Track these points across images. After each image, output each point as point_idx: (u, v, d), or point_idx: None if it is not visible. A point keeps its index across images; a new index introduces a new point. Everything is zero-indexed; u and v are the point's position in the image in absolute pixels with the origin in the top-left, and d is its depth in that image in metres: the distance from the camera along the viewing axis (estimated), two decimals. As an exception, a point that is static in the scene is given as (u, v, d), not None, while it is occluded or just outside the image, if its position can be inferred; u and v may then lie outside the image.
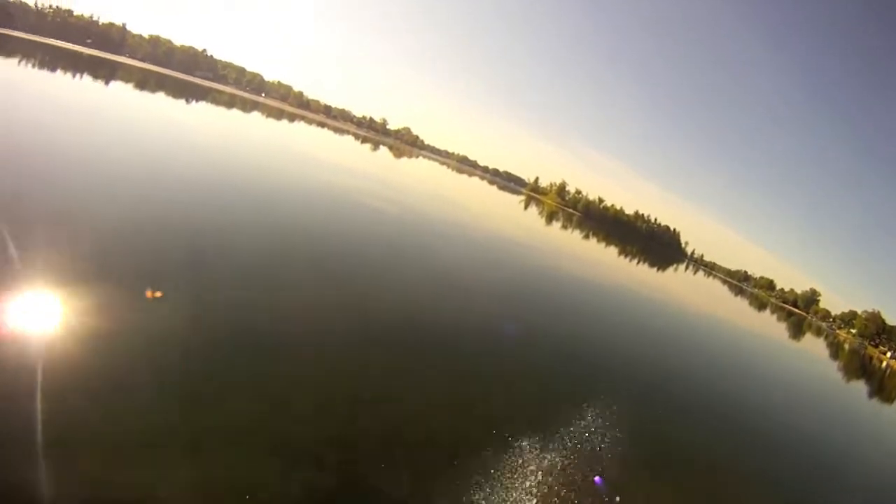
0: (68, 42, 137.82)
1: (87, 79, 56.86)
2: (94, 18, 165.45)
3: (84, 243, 11.01)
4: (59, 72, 55.92)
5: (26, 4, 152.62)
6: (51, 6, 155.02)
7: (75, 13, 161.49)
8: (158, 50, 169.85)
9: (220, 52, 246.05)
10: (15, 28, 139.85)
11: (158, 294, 9.71)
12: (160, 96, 62.98)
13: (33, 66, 54.65)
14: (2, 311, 7.84)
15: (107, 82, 59.64)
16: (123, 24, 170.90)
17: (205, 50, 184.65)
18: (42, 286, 8.80)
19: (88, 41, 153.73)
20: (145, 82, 76.41)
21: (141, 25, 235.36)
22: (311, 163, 43.92)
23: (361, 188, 36.20)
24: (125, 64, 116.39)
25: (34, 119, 23.96)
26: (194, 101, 69.96)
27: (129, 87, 62.80)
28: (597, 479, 8.82)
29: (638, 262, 69.94)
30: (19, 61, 55.49)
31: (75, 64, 74.29)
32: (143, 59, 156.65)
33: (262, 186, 24.61)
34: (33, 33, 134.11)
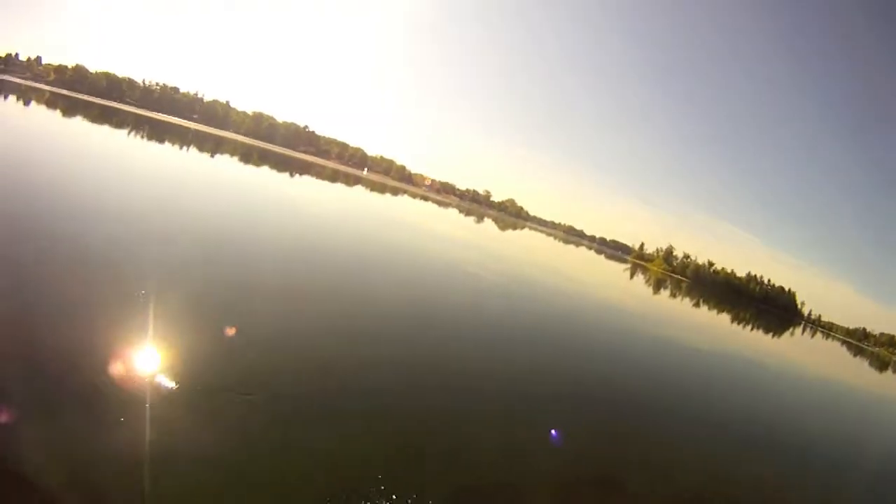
0: (175, 117, 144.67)
1: (193, 151, 56.06)
2: (199, 95, 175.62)
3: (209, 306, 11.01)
4: (167, 144, 55.53)
5: (133, 81, 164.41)
6: (157, 83, 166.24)
7: (181, 90, 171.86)
8: (261, 125, 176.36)
9: (322, 128, 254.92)
10: (123, 102, 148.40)
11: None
12: (264, 169, 60.56)
13: (142, 137, 54.87)
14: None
15: (212, 155, 58.36)
16: (227, 102, 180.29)
17: (306, 126, 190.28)
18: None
19: (195, 116, 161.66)
20: (249, 156, 75.31)
21: (244, 102, 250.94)
22: (418, 234, 42.23)
23: (470, 259, 35.58)
24: (229, 138, 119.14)
25: (147, 186, 25.16)
26: (298, 175, 67.24)
27: (234, 160, 61.91)
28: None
29: (752, 328, 63.13)
30: (129, 132, 55.51)
31: (183, 137, 74.79)
32: (246, 134, 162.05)
33: (372, 258, 24.39)
34: (141, 107, 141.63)
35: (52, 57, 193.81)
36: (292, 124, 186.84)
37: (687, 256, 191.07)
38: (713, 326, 49.12)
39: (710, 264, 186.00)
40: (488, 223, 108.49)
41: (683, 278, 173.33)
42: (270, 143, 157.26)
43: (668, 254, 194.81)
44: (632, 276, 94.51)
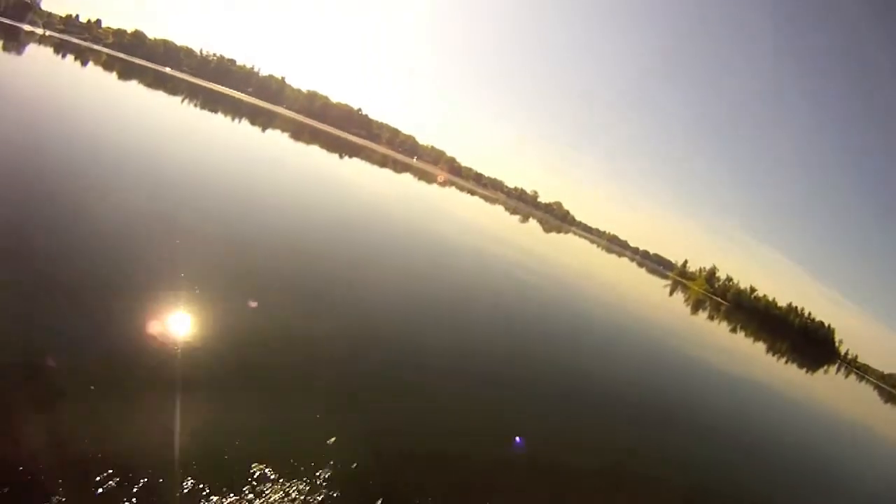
0: (229, 88, 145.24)
1: (245, 123, 55.00)
2: (255, 69, 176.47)
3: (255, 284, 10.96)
4: (220, 114, 54.41)
5: (191, 49, 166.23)
6: (214, 54, 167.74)
7: (238, 63, 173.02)
8: (314, 104, 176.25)
9: (375, 112, 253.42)
10: (179, 69, 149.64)
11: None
12: (314, 148, 59.21)
13: (195, 105, 54.04)
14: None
15: (263, 129, 56.91)
16: (283, 77, 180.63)
17: (360, 109, 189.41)
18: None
19: (249, 89, 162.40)
20: (300, 133, 73.97)
21: (299, 80, 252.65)
22: (463, 228, 41.76)
23: (511, 258, 34.97)
24: (281, 114, 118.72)
25: (190, 156, 24.30)
26: (347, 157, 65.49)
27: (286, 136, 60.64)
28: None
29: (786, 360, 60.32)
30: (182, 100, 54.70)
31: (236, 109, 73.85)
32: (299, 112, 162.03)
33: (416, 248, 24.38)
34: (196, 76, 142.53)
35: (112, 21, 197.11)
36: (346, 105, 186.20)
37: (729, 279, 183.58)
38: (745, 353, 47.39)
39: (752, 290, 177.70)
40: (533, 224, 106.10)
41: (723, 301, 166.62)
42: (322, 122, 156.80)
43: (711, 274, 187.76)
44: (671, 292, 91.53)
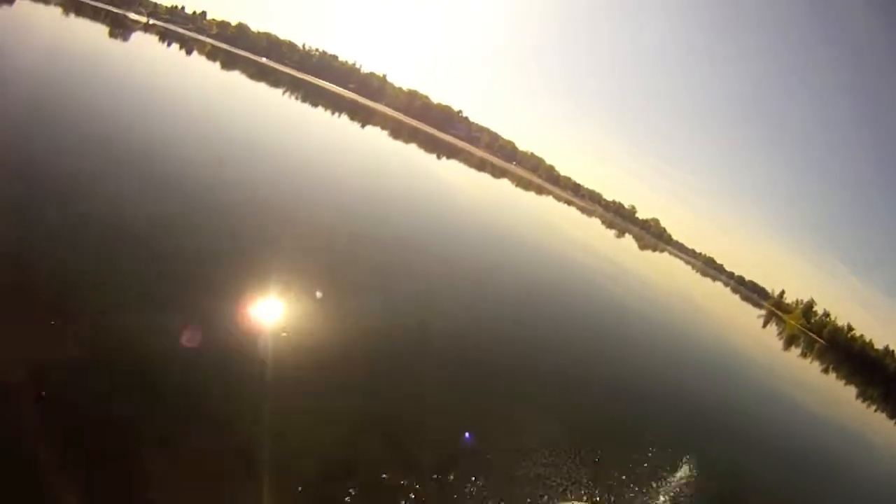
0: (330, 83, 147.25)
1: (344, 119, 53.81)
2: (357, 66, 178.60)
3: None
4: (320, 108, 53.68)
5: (294, 44, 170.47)
6: (317, 49, 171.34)
7: (340, 59, 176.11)
8: (414, 103, 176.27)
9: (476, 115, 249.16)
10: (282, 63, 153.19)
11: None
12: (412, 147, 57.05)
13: (297, 98, 53.49)
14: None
15: (363, 125, 55.60)
16: (384, 75, 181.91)
17: (460, 111, 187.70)
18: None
19: (350, 85, 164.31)
20: (399, 132, 72.49)
21: (400, 79, 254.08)
22: (559, 239, 40.85)
23: (607, 273, 34.72)
24: (382, 111, 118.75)
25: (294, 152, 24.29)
26: (445, 158, 63.29)
27: (385, 133, 59.12)
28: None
29: (875, 410, 53.97)
30: (283, 92, 54.41)
31: (337, 104, 73.32)
32: (398, 110, 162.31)
33: (514, 258, 23.84)
34: (298, 70, 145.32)
35: (217, 13, 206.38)
36: (446, 106, 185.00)
37: (827, 314, 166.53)
38: (835, 395, 44.56)
39: (850, 328, 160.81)
40: (628, 240, 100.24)
41: (819, 338, 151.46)
42: (421, 121, 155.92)
43: (808, 308, 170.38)
44: (765, 324, 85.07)
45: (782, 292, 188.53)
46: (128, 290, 7.11)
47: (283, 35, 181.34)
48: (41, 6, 62.26)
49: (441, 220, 23.82)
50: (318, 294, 9.32)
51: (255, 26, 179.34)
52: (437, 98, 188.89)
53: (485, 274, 17.41)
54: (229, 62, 71.27)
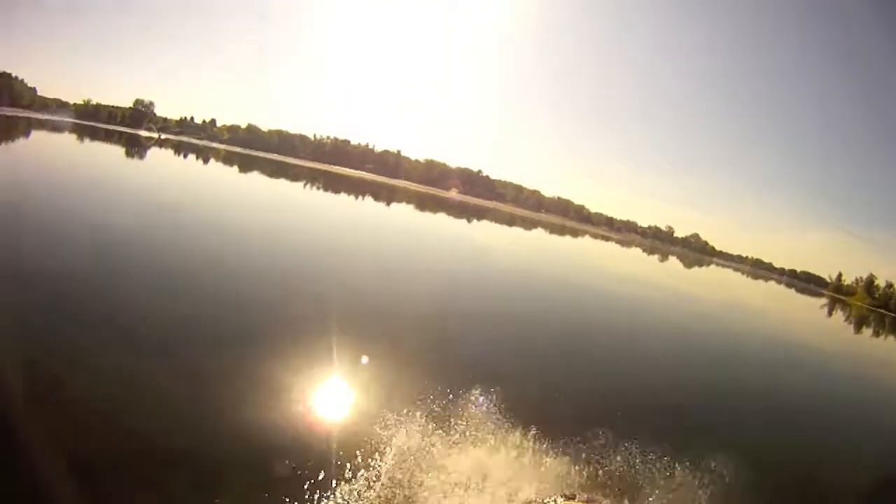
0: (348, 168, 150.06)
1: (368, 201, 54.69)
2: (370, 146, 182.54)
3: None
4: (342, 194, 54.15)
5: (305, 136, 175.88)
6: (328, 137, 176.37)
7: (352, 142, 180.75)
8: (433, 172, 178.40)
9: (497, 170, 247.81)
10: (296, 156, 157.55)
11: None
12: (441, 216, 56.75)
13: (318, 188, 54.68)
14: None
15: (388, 203, 56.09)
16: (398, 151, 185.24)
17: (480, 170, 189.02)
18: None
19: (368, 166, 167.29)
20: (425, 203, 73.11)
21: (415, 150, 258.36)
22: (607, 276, 39.11)
23: (662, 300, 33.67)
24: (403, 187, 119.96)
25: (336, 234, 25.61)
26: (475, 221, 62.75)
27: (411, 207, 59.14)
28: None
29: None
30: (304, 185, 55.12)
31: (357, 187, 74.06)
32: (419, 182, 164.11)
33: (571, 303, 23.36)
34: (313, 160, 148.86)
35: (226, 117, 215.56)
36: (465, 169, 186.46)
37: (890, 286, 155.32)
38: None
39: None
40: (672, 262, 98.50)
41: (888, 312, 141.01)
42: (443, 189, 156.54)
43: (870, 283, 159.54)
44: (830, 312, 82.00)
45: (839, 275, 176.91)
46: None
47: (294, 128, 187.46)
48: (56, 135, 65.45)
49: (490, 280, 23.98)
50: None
51: (265, 125, 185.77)
52: (454, 162, 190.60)
53: (557, 326, 17.51)
54: (246, 164, 73.16)
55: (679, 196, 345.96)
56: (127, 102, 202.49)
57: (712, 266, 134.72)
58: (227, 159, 79.51)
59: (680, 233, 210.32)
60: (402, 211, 51.49)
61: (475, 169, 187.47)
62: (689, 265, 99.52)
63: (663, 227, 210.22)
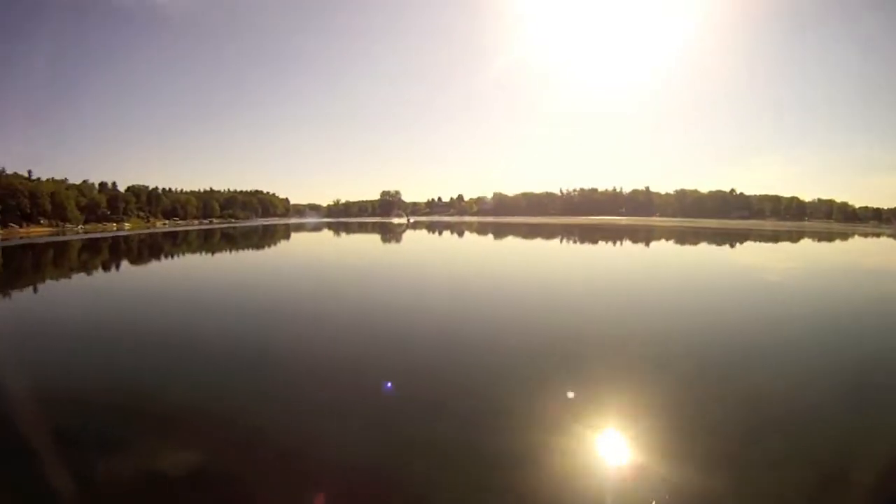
0: (600, 215, 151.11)
1: (638, 247, 54.38)
2: (618, 189, 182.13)
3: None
4: (601, 243, 55.74)
5: (551, 193, 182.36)
6: (574, 189, 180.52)
7: (599, 189, 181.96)
8: (685, 201, 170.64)
9: (749, 185, 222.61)
10: (546, 214, 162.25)
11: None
12: (703, 246, 54.29)
13: (574, 241, 56.94)
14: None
15: (647, 244, 55.79)
16: (647, 187, 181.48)
17: (732, 189, 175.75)
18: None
19: (621, 210, 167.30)
20: (685, 237, 69.57)
21: (662, 184, 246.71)
22: None
23: None
24: (660, 224, 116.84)
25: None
26: (738, 244, 58.33)
27: (671, 242, 58.08)
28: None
29: None
30: (560, 239, 58.65)
31: (614, 233, 75.67)
32: (673, 215, 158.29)
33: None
34: (564, 215, 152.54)
35: (471, 191, 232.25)
36: (717, 192, 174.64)
37: None
38: None
39: None
40: None
41: None
42: (699, 216, 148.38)
43: None
44: None
45: None
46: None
47: (539, 187, 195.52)
48: (312, 234, 79.77)
49: (795, 314, 16.53)
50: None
51: (510, 189, 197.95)
52: (705, 186, 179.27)
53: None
54: (499, 230, 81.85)
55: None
56: (374, 195, 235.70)
57: None
58: (480, 229, 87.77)
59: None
60: (662, 249, 51.45)
61: (726, 188, 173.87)
62: None
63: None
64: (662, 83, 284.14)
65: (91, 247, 53.87)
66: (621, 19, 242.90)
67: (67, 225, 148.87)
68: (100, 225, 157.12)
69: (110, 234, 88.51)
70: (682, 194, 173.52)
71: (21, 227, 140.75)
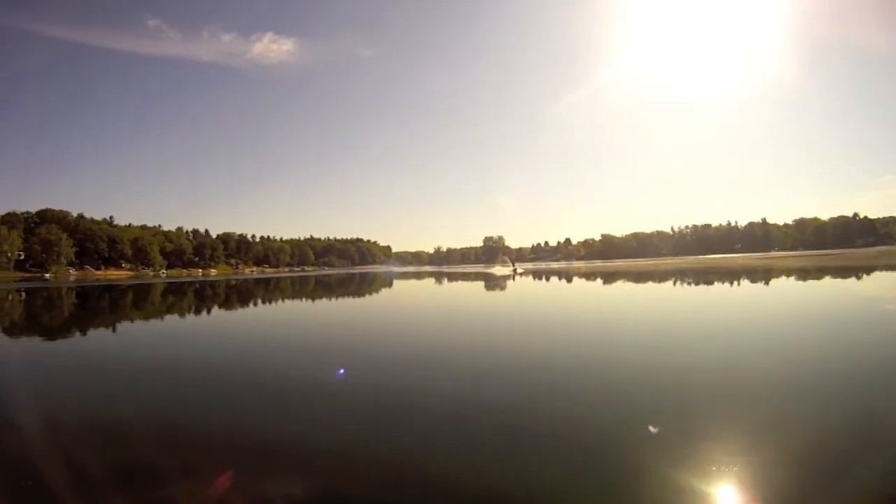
0: (712, 254, 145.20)
1: (745, 282, 52.84)
2: (733, 224, 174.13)
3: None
4: (717, 284, 53.33)
5: (662, 232, 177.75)
6: (686, 226, 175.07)
7: (713, 225, 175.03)
8: (806, 232, 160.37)
9: (878, 210, 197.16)
10: (658, 255, 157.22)
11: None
12: (827, 280, 50.69)
13: (691, 283, 55.33)
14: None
15: (766, 282, 53.80)
16: (763, 219, 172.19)
17: (856, 214, 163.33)
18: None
19: (737, 246, 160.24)
20: (806, 274, 65.80)
21: (777, 215, 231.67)
22: None
23: None
24: (777, 262, 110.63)
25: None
26: (865, 275, 54.92)
27: (793, 279, 55.10)
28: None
29: None
30: (674, 282, 57.97)
31: (728, 274, 71.00)
32: (792, 248, 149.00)
33: None
34: (676, 255, 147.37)
35: (579, 233, 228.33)
36: (840, 217, 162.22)
37: None
38: None
39: None
40: None
41: None
42: (822, 248, 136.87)
43: None
44: None
45: None
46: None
47: (649, 227, 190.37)
48: (413, 281, 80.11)
49: None
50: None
51: (618, 231, 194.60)
52: (826, 213, 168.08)
53: None
54: (609, 275, 79.36)
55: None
56: (478, 242, 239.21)
57: None
58: (589, 274, 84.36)
59: None
60: (798, 286, 48.67)
61: (849, 213, 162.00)
62: None
63: None
64: (775, 105, 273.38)
65: (147, 290, 59.58)
66: (733, 44, 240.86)
67: (149, 269, 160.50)
68: (184, 270, 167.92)
69: (187, 279, 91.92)
70: (801, 224, 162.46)
71: (98, 269, 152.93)
